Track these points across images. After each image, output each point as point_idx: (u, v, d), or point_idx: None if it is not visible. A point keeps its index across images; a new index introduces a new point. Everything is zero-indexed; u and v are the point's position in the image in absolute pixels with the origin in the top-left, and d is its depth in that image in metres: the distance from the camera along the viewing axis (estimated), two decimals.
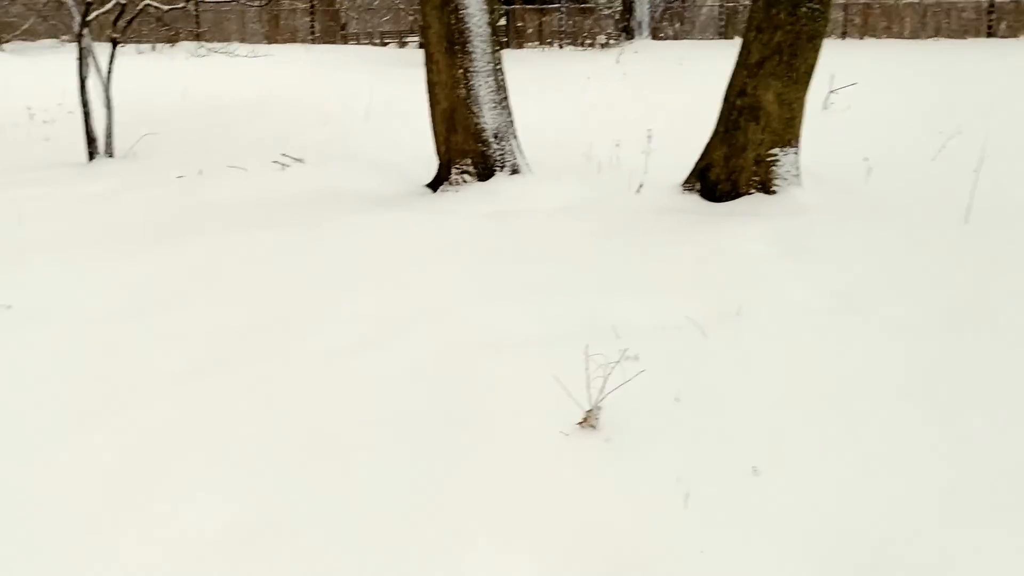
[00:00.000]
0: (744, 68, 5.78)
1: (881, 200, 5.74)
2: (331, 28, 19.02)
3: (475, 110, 6.09)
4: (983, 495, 2.46)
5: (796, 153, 5.84)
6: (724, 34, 17.32)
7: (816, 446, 2.72)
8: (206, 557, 2.26)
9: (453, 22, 5.97)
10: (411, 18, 18.17)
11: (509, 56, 9.60)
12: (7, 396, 3.10)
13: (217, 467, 2.66)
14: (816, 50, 5.66)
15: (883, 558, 2.22)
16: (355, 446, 2.76)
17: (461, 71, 6.01)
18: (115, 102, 7.78)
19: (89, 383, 3.21)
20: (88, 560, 2.25)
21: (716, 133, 6.00)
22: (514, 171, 6.27)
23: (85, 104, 7.41)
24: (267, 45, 15.64)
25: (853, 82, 9.52)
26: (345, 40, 18.79)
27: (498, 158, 6.21)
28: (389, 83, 11.01)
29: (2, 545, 2.30)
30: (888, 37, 16.45)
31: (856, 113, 8.70)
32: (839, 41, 15.48)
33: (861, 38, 16.41)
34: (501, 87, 6.22)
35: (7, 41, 14.61)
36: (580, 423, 2.84)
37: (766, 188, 5.78)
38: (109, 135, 7.55)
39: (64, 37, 15.74)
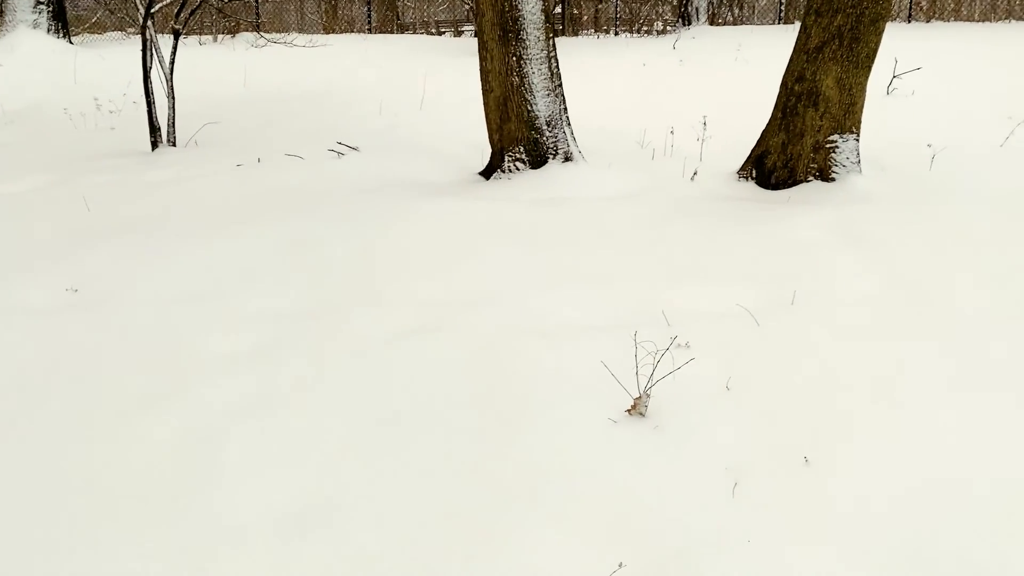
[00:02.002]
0: (803, 52, 5.66)
1: (945, 188, 5.58)
2: (388, 18, 19.15)
3: (528, 97, 6.09)
4: None
5: (856, 140, 5.71)
6: (784, 19, 16.95)
7: (871, 438, 2.67)
8: (265, 537, 2.32)
9: (507, 9, 5.96)
10: (467, 7, 18.19)
11: (564, 43, 9.53)
12: (74, 378, 3.22)
13: (276, 448, 2.72)
14: (878, 33, 5.50)
15: (941, 555, 2.17)
16: (405, 430, 2.80)
17: (514, 58, 6.01)
18: (178, 92, 7.97)
19: (154, 364, 3.31)
20: (147, 540, 2.33)
21: (773, 119, 5.90)
22: (567, 159, 6.25)
23: (148, 94, 7.60)
24: (325, 35, 15.82)
25: (918, 67, 9.25)
26: (402, 30, 18.90)
27: (551, 146, 6.20)
28: (444, 72, 11.05)
29: (64, 524, 2.39)
30: (957, 20, 15.91)
31: (921, 99, 8.45)
32: (904, 24, 15.02)
33: (928, 21, 15.90)
34: (555, 74, 6.21)
35: (77, 34, 15.05)
36: (628, 410, 2.84)
37: (824, 176, 5.67)
38: (172, 124, 7.74)
39: (130, 29, 16.15)
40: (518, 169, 6.19)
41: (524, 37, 6.00)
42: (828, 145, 5.65)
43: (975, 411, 2.80)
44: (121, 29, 16.78)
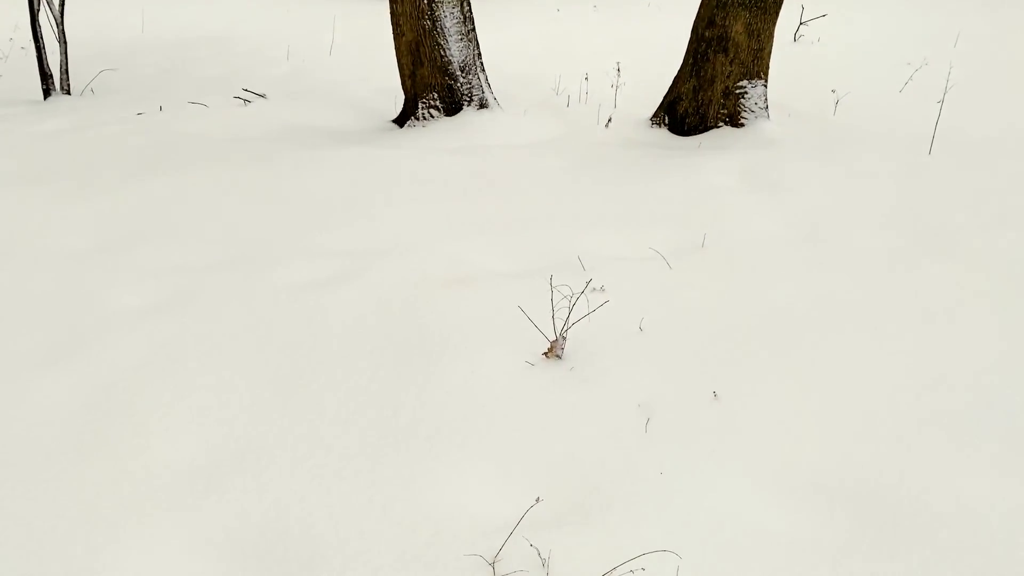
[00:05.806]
0: None
1: (848, 133, 5.76)
2: None
3: (441, 42, 5.98)
4: (954, 423, 2.53)
5: (764, 85, 5.83)
6: None
7: (777, 373, 2.78)
8: (177, 489, 2.28)
9: None
10: None
11: None
12: None
13: (185, 401, 2.66)
14: None
15: (846, 481, 2.29)
16: (324, 378, 2.78)
17: (426, 1, 5.88)
18: (71, 37, 7.54)
19: (55, 320, 3.18)
20: (59, 495, 2.26)
21: (684, 65, 5.96)
22: (482, 105, 6.19)
23: (38, 39, 7.17)
24: None
25: (823, 14, 9.46)
26: None
27: (465, 92, 6.13)
28: (354, 16, 10.75)
29: None
30: None
31: (826, 45, 8.66)
32: None
33: None
34: (467, 18, 6.11)
35: None
36: (545, 353, 2.88)
37: (734, 121, 5.77)
38: (65, 71, 7.33)
39: None
40: (432, 116, 6.11)
41: None
42: (737, 91, 5.75)
43: (876, 344, 2.94)
44: None
